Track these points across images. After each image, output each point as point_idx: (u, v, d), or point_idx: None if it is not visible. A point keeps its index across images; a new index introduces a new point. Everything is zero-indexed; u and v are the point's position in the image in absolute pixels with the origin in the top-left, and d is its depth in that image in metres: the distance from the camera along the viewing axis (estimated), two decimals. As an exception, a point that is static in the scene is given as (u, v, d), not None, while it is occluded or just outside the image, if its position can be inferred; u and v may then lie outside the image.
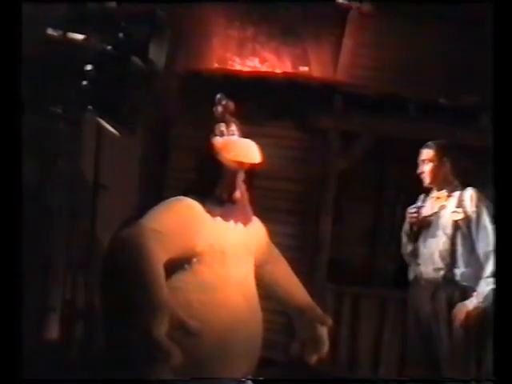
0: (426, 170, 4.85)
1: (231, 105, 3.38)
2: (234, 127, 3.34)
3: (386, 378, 5.49)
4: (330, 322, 3.59)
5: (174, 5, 5.58)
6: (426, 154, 4.85)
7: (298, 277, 3.74)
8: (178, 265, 3.08)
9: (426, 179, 4.86)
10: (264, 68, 7.55)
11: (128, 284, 2.90)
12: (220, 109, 3.36)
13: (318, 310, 3.63)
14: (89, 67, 4.35)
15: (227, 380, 3.15)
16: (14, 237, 2.60)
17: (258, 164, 3.30)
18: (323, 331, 3.60)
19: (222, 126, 3.32)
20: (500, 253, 2.83)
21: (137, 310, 2.80)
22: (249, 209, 3.41)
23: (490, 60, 2.92)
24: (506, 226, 2.77)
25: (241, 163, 3.26)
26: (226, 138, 3.29)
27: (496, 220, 2.91)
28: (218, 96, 3.39)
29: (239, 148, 3.28)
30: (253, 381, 3.35)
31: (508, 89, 2.85)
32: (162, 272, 2.91)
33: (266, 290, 3.58)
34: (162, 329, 2.70)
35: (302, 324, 3.65)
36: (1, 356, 2.48)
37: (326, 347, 3.61)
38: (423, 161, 4.86)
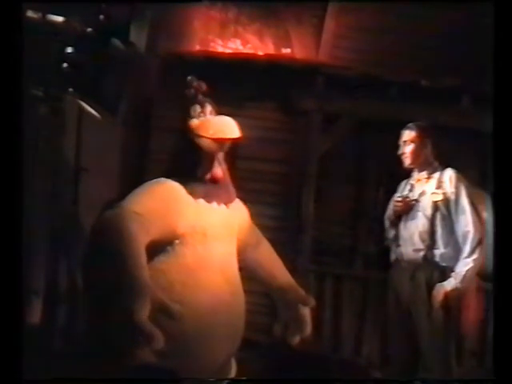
0: (407, 151, 4.86)
1: (203, 85, 3.37)
2: (209, 107, 3.33)
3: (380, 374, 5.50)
4: (312, 302, 3.61)
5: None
6: (408, 135, 4.87)
7: (281, 258, 3.75)
8: (160, 247, 3.08)
9: (407, 160, 4.88)
10: (246, 50, 7.53)
11: (110, 267, 2.90)
12: (192, 90, 3.35)
13: (301, 291, 3.64)
14: (69, 49, 4.33)
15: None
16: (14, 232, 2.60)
17: (238, 138, 3.29)
18: (306, 312, 3.62)
19: (198, 108, 3.31)
20: (499, 251, 2.83)
21: (118, 294, 2.80)
22: (232, 188, 3.41)
23: (491, 54, 2.92)
24: (506, 222, 2.77)
25: (221, 139, 3.26)
26: (202, 118, 3.29)
27: (496, 219, 2.91)
28: (189, 78, 3.38)
29: (217, 125, 3.27)
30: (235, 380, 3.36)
31: (508, 82, 2.85)
32: (143, 255, 2.90)
33: (248, 271, 3.59)
34: (143, 312, 2.70)
35: (284, 305, 3.66)
36: (0, 356, 2.47)
37: (308, 328, 3.62)
38: (404, 142, 4.88)
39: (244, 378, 3.45)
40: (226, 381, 3.34)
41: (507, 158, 2.81)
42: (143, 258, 2.89)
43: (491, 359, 6.27)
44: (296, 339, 3.61)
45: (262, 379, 3.17)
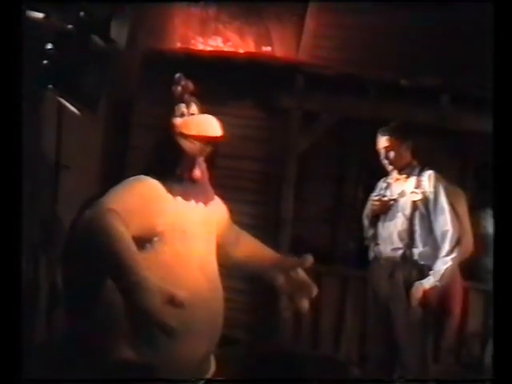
0: (388, 158, 4.85)
1: (190, 85, 3.36)
2: (194, 107, 3.33)
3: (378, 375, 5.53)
4: (310, 259, 3.57)
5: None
6: (386, 141, 4.84)
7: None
8: (139, 244, 3.07)
9: (390, 167, 4.88)
10: (227, 48, 7.54)
11: (105, 267, 2.91)
12: (179, 89, 3.35)
13: (293, 258, 3.63)
14: (49, 46, 4.31)
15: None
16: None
17: (220, 138, 3.30)
18: (305, 275, 3.59)
19: (183, 107, 3.31)
20: (498, 251, 2.84)
21: (126, 294, 2.81)
22: (210, 188, 3.42)
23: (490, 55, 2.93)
24: (505, 224, 2.78)
25: (203, 138, 3.26)
26: (186, 117, 3.29)
27: (496, 221, 2.93)
28: (177, 76, 3.37)
29: (200, 124, 3.27)
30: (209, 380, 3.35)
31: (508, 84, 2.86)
32: (135, 248, 2.91)
33: (240, 266, 3.61)
34: (155, 303, 2.72)
35: (283, 277, 3.61)
36: (0, 355, 2.47)
37: (315, 289, 3.58)
38: (385, 148, 4.86)
39: (220, 379, 3.44)
40: (202, 381, 3.35)
41: (507, 159, 2.81)
42: (136, 251, 2.90)
43: (468, 356, 6.35)
44: (305, 304, 3.56)
45: (239, 380, 3.16)
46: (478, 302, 6.59)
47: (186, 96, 3.33)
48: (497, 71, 2.91)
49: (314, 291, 3.54)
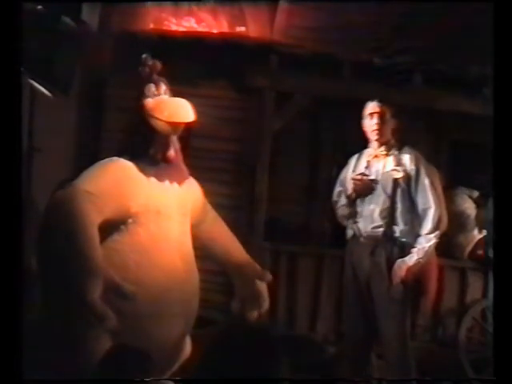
0: (374, 123, 4.80)
1: (158, 64, 3.35)
2: (163, 87, 3.32)
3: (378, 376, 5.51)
4: (269, 276, 3.63)
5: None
6: (374, 107, 4.80)
7: (235, 236, 3.77)
8: (113, 226, 3.08)
9: (374, 134, 4.80)
10: (200, 28, 7.49)
11: (62, 248, 2.90)
12: (147, 69, 3.34)
13: (257, 266, 3.67)
14: (19, 27, 4.26)
15: None
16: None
17: (192, 123, 3.28)
18: (263, 287, 3.64)
19: (152, 87, 3.30)
20: (499, 250, 2.84)
21: (71, 274, 2.81)
22: (184, 168, 3.41)
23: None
24: (506, 218, 2.79)
25: (175, 123, 3.25)
26: (157, 98, 3.27)
27: (496, 213, 2.93)
28: (144, 56, 3.37)
29: (172, 107, 3.26)
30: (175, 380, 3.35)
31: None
32: (95, 235, 2.91)
33: (203, 249, 3.60)
34: (95, 292, 2.72)
35: (241, 281, 3.68)
36: (0, 355, 2.45)
37: (266, 303, 3.64)
38: (371, 114, 4.80)
39: (178, 378, 3.42)
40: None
41: (507, 149, 2.81)
42: (95, 237, 2.89)
43: (443, 334, 6.38)
44: (254, 314, 3.62)
45: (199, 379, 3.13)
46: (452, 279, 6.64)
47: (155, 76, 3.32)
48: (497, 72, 2.90)
49: (266, 305, 3.60)
